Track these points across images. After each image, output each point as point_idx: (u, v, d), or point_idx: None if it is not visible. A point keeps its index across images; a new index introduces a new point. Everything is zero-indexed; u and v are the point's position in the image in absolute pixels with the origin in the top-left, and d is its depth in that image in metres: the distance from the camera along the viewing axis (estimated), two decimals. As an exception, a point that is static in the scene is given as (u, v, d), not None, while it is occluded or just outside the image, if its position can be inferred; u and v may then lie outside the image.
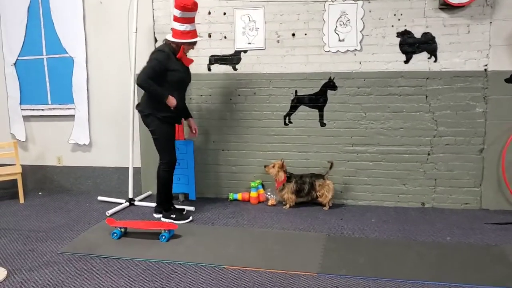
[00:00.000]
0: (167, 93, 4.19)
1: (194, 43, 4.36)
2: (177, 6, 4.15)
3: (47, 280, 3.30)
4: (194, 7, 4.20)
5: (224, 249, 3.80)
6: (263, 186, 5.10)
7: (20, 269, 3.48)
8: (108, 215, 4.62)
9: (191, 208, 4.78)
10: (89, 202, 5.15)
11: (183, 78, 4.35)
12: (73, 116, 5.45)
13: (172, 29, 4.31)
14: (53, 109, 5.49)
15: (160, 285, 3.21)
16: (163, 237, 3.95)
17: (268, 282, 3.22)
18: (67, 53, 5.35)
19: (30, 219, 4.67)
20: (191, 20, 4.24)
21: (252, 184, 5.01)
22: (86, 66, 5.34)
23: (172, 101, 4.21)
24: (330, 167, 4.73)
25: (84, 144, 5.49)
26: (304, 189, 4.72)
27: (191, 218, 4.46)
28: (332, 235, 4.07)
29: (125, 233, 4.11)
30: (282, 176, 4.73)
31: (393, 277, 3.25)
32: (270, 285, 3.18)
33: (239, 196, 5.09)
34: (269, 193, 5.04)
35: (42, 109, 5.51)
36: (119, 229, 4.07)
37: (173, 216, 4.44)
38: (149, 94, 4.23)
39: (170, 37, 4.29)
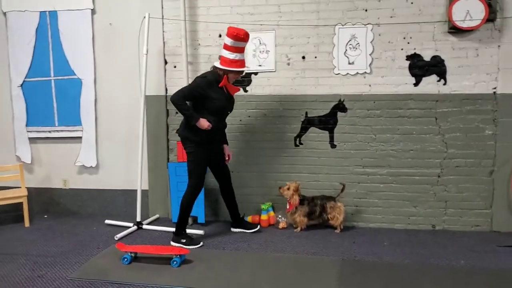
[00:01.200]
0: (197, 115, 4.21)
1: (241, 72, 4.42)
2: (229, 35, 4.19)
3: (59, 308, 3.24)
4: (245, 37, 4.24)
5: (236, 275, 3.74)
6: (273, 208, 5.06)
7: (30, 297, 3.43)
8: (116, 239, 4.56)
9: (201, 232, 4.73)
10: (96, 226, 5.08)
11: (223, 106, 4.35)
12: (80, 138, 5.41)
13: (220, 56, 4.33)
14: (60, 131, 5.45)
15: (176, 313, 3.16)
16: (175, 262, 3.90)
17: (285, 310, 3.17)
18: (75, 74, 5.34)
19: (37, 243, 4.59)
20: (241, 50, 4.28)
21: (263, 206, 4.98)
22: (95, 87, 5.33)
23: (203, 123, 4.21)
24: (342, 190, 4.71)
25: (91, 166, 5.44)
26: (316, 212, 4.69)
27: (202, 243, 4.42)
28: (346, 259, 4.03)
29: (135, 258, 4.05)
30: (296, 199, 4.69)
31: (413, 304, 3.22)
32: (288, 312, 3.14)
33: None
34: (280, 216, 5.00)
35: (49, 131, 5.47)
36: (129, 254, 4.01)
37: (183, 241, 4.40)
38: (180, 112, 4.28)
39: (217, 64, 4.31)
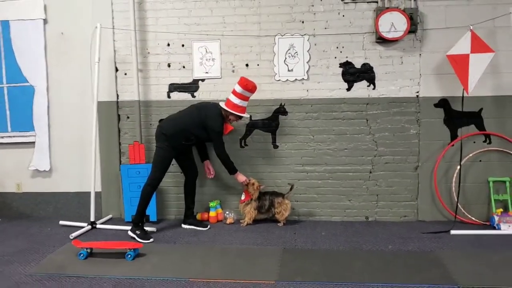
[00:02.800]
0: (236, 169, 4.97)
1: (241, 117, 4.90)
2: (241, 84, 4.78)
3: (19, 300, 3.46)
4: (253, 90, 4.84)
5: (187, 264, 4.07)
6: (221, 206, 5.41)
7: (-10, 291, 3.61)
8: (72, 238, 4.77)
9: (153, 229, 5.01)
10: (51, 227, 5.25)
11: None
12: (33, 143, 5.57)
13: (227, 99, 4.85)
14: (13, 136, 5.59)
15: (131, 299, 3.44)
16: (129, 255, 4.17)
17: (231, 291, 3.53)
18: (27, 82, 5.50)
19: None
20: (246, 98, 4.84)
21: (211, 204, 5.31)
22: (47, 94, 5.51)
23: (240, 178, 4.99)
24: (291, 189, 5.11)
25: (45, 170, 5.60)
26: (265, 206, 5.07)
27: (152, 239, 4.70)
28: (287, 248, 4.43)
29: (91, 254, 4.29)
30: (256, 195, 5.05)
31: (343, 281, 3.64)
32: (233, 293, 3.50)
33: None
34: (227, 212, 5.35)
35: (2, 137, 5.60)
36: (85, 249, 4.25)
37: (138, 232, 4.68)
38: (224, 163, 4.93)
39: (223, 105, 4.81)
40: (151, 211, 5.27)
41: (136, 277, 3.81)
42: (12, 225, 5.40)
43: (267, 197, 5.11)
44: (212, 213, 5.34)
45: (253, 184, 5.06)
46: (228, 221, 5.28)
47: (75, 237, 4.79)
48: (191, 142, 4.86)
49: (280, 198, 5.10)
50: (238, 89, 4.78)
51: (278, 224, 5.12)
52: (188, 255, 4.29)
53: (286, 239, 4.71)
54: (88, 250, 4.27)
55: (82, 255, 4.22)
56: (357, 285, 3.58)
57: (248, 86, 4.76)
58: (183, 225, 5.17)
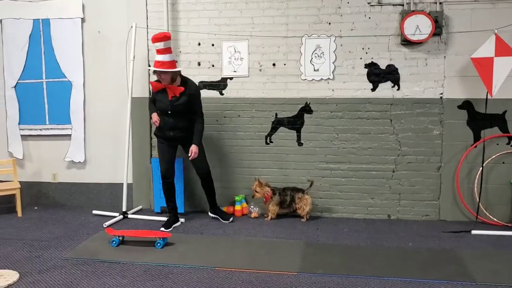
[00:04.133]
0: (152, 111, 5.05)
1: (154, 72, 4.94)
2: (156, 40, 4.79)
3: (56, 281, 3.71)
4: (157, 39, 4.75)
5: (213, 254, 4.27)
6: (246, 200, 5.59)
7: (30, 272, 3.87)
8: (105, 226, 5.03)
9: (182, 220, 5.23)
10: (84, 216, 5.54)
11: (162, 107, 4.93)
12: (69, 135, 5.86)
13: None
14: (51, 128, 5.89)
15: (160, 283, 3.65)
16: (158, 244, 4.40)
17: (255, 280, 3.70)
18: (65, 77, 5.79)
19: (30, 230, 5.02)
20: (159, 52, 4.78)
21: (237, 198, 5.50)
22: (84, 89, 5.79)
23: (153, 118, 5.01)
24: (311, 185, 5.25)
25: (79, 162, 5.89)
26: (286, 201, 5.24)
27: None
28: (310, 242, 4.59)
29: (123, 241, 4.53)
30: (268, 190, 5.24)
31: (363, 275, 3.78)
32: (257, 282, 3.67)
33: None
34: (252, 207, 5.53)
35: (40, 129, 5.90)
36: (117, 237, 4.49)
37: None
38: None
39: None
40: (180, 202, 5.49)
41: (164, 264, 4.03)
42: (48, 213, 5.70)
43: (288, 193, 5.26)
44: (237, 207, 5.52)
45: (256, 190, 5.27)
46: (252, 215, 5.46)
47: (108, 226, 5.04)
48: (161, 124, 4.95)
49: (300, 193, 5.25)
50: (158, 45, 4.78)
51: (301, 219, 5.28)
52: (214, 246, 4.50)
53: (308, 234, 4.87)
54: (120, 238, 4.51)
55: (114, 242, 4.47)
56: (376, 279, 3.71)
57: (153, 40, 4.79)
58: (209, 213, 5.40)
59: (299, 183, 5.41)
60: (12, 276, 3.75)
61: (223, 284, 3.63)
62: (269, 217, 5.31)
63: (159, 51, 4.75)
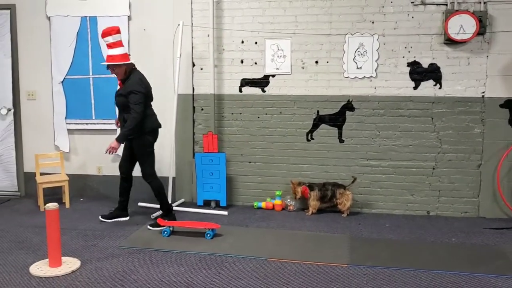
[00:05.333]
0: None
1: (107, 67, 4.90)
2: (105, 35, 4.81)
3: (117, 268, 3.87)
4: (105, 34, 4.80)
5: (262, 245, 4.41)
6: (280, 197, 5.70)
7: (90, 260, 4.05)
8: (153, 217, 5.20)
9: (225, 213, 5.38)
10: (130, 208, 5.69)
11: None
12: (115, 130, 6.02)
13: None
14: (97, 123, 6.07)
15: (216, 272, 3.80)
16: (208, 235, 4.55)
17: (307, 271, 3.82)
18: (111, 73, 5.95)
19: (81, 220, 5.20)
20: (108, 46, 4.82)
21: (277, 193, 5.63)
22: (129, 85, 5.96)
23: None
24: (353, 181, 5.36)
25: (124, 155, 6.07)
26: (327, 196, 5.35)
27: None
28: (354, 236, 4.70)
29: (173, 232, 4.69)
30: (301, 189, 5.38)
31: (411, 268, 3.88)
32: (309, 273, 3.79)
33: (263, 204, 5.67)
34: (288, 200, 5.64)
35: (86, 123, 6.09)
36: (168, 228, 4.65)
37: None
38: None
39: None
40: (222, 196, 5.63)
41: (217, 253, 4.17)
42: (95, 204, 5.88)
43: (329, 188, 5.38)
44: (277, 202, 5.64)
45: (294, 191, 5.44)
46: (289, 208, 5.58)
47: (156, 217, 5.21)
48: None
49: (341, 189, 5.36)
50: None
51: (342, 215, 5.38)
52: (261, 237, 4.63)
53: (351, 228, 4.97)
54: (171, 228, 4.67)
55: (165, 232, 4.63)
56: (425, 272, 3.81)
57: (103, 35, 4.81)
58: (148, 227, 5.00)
59: (339, 180, 5.52)
60: (74, 263, 3.93)
61: (277, 274, 3.76)
62: (310, 212, 5.42)
63: (110, 46, 4.77)
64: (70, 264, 3.90)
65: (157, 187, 5.01)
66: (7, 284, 3.56)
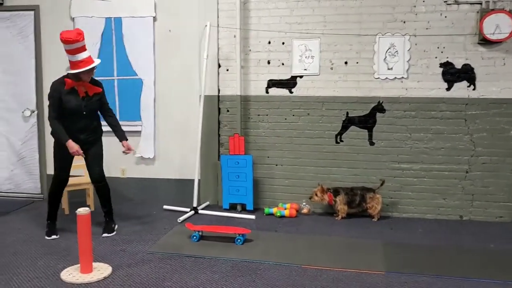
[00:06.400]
0: (67, 137, 4.48)
1: (86, 71, 4.43)
2: (62, 41, 4.34)
3: (149, 274, 3.79)
4: (77, 38, 4.35)
5: (295, 251, 4.30)
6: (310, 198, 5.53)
7: (120, 266, 3.97)
8: (179, 221, 5.11)
9: (252, 217, 5.28)
10: (155, 211, 5.63)
11: (73, 108, 4.49)
12: (139, 132, 5.97)
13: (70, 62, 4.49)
14: (121, 125, 5.97)
15: (251, 279, 3.70)
16: (239, 240, 4.45)
17: (345, 279, 3.71)
18: (136, 75, 5.89)
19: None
20: (72, 51, 4.37)
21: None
22: (154, 87, 5.89)
23: (73, 146, 4.49)
24: (382, 184, 5.24)
25: (149, 158, 6.00)
26: (356, 201, 5.23)
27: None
28: (387, 242, 4.57)
29: (202, 237, 4.60)
30: (326, 197, 5.25)
31: (453, 276, 3.75)
32: (347, 281, 3.68)
33: (287, 206, 5.48)
34: (304, 203, 5.53)
35: (111, 125, 6.02)
36: (197, 232, 4.56)
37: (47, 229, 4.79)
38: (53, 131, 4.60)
39: (69, 70, 4.45)
40: (248, 200, 5.54)
41: (250, 260, 4.07)
42: (118, 207, 5.73)
43: (358, 192, 5.25)
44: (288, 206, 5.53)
45: (316, 195, 5.30)
46: (303, 211, 5.49)
47: (183, 221, 5.12)
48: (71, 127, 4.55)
49: (371, 193, 5.24)
50: (67, 46, 4.35)
51: (373, 219, 5.26)
52: (292, 243, 4.52)
53: (383, 233, 4.85)
54: (200, 233, 4.58)
55: (195, 237, 4.54)
56: (468, 281, 3.67)
57: (69, 39, 4.30)
58: (103, 235, 4.83)
59: (369, 183, 5.40)
60: (105, 269, 3.86)
61: (315, 282, 3.65)
62: (340, 217, 5.31)
63: (81, 49, 4.38)
64: (101, 270, 3.83)
65: (108, 190, 4.95)
66: (40, 291, 3.50)
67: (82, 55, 4.40)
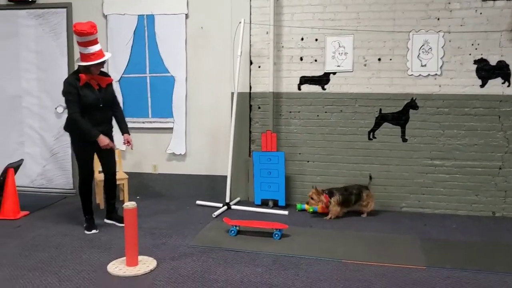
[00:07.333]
0: (98, 132, 4.59)
1: (98, 64, 4.53)
2: (76, 33, 4.42)
3: (193, 268, 3.85)
4: (82, 31, 4.38)
5: (333, 246, 4.34)
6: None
7: (164, 259, 4.04)
8: (214, 216, 5.18)
9: (285, 212, 5.32)
10: (188, 206, 5.70)
11: (91, 102, 4.56)
12: (171, 128, 6.03)
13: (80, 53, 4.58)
14: (153, 122, 6.08)
15: (295, 273, 3.75)
16: (276, 235, 4.50)
17: (387, 274, 3.75)
18: (168, 72, 5.95)
19: (143, 218, 5.11)
20: (86, 44, 4.44)
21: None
22: (186, 84, 5.94)
23: (104, 140, 4.61)
24: (370, 178, 5.34)
25: (180, 154, 6.06)
26: (351, 200, 5.18)
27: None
28: (423, 237, 4.59)
29: (238, 231, 4.65)
30: (323, 199, 5.13)
31: (495, 271, 3.76)
32: (390, 276, 3.71)
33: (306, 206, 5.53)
34: None
35: (143, 122, 6.09)
36: (235, 227, 4.62)
37: (84, 225, 4.89)
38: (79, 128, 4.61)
39: (79, 62, 4.54)
40: (280, 196, 5.59)
41: (290, 254, 4.12)
42: (151, 202, 5.88)
43: (353, 191, 5.20)
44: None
45: (312, 198, 5.16)
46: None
47: (217, 216, 5.19)
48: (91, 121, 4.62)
49: (367, 190, 5.26)
50: (78, 38, 4.43)
51: (362, 215, 5.29)
52: (329, 238, 4.57)
53: (417, 229, 4.87)
54: (237, 228, 4.63)
55: (232, 231, 4.60)
56: (510, 275, 3.69)
57: (83, 32, 4.37)
58: (105, 220, 5.10)
59: (402, 179, 5.42)
60: (150, 262, 3.92)
61: (357, 276, 3.69)
62: (329, 217, 5.20)
63: (93, 42, 4.46)
64: (146, 263, 3.90)
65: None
66: (90, 284, 3.57)
67: (94, 48, 4.48)
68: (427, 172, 5.42)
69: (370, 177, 5.36)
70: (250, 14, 5.67)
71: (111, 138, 4.84)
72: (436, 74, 5.29)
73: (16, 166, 5.51)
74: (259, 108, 5.80)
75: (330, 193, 5.19)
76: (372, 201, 5.26)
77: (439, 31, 5.24)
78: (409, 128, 5.42)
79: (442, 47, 5.25)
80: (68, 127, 4.76)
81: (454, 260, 4.00)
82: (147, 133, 6.13)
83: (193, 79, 5.95)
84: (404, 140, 5.45)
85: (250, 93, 5.81)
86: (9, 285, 3.54)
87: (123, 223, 4.79)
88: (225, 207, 5.50)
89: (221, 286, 3.52)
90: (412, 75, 5.35)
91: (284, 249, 4.25)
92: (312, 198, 5.17)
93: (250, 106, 5.83)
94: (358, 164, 5.58)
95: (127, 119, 5.91)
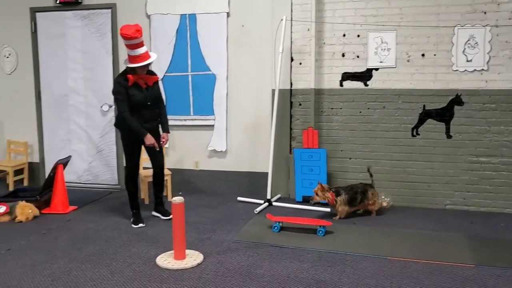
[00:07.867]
0: (145, 131, 4.79)
1: (144, 66, 4.69)
2: (122, 36, 4.58)
3: (240, 262, 3.91)
4: (128, 34, 4.52)
5: (378, 243, 4.32)
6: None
7: (210, 253, 4.11)
8: (256, 212, 5.23)
9: (327, 209, 5.31)
10: (229, 202, 5.77)
11: (139, 100, 4.75)
12: (212, 126, 6.11)
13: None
14: (195, 119, 6.17)
15: (341, 269, 3.75)
16: (320, 231, 4.51)
17: (435, 271, 3.70)
18: (210, 70, 6.03)
19: (186, 213, 5.21)
20: (132, 47, 4.59)
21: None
22: (227, 82, 6.01)
23: (149, 139, 4.80)
24: (369, 171, 5.23)
25: (221, 151, 6.14)
26: (357, 199, 5.06)
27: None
28: (470, 235, 4.51)
29: (281, 228, 4.68)
30: (329, 195, 5.02)
31: (548, 270, 3.68)
32: (438, 273, 3.67)
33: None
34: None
35: (185, 119, 6.20)
36: (278, 223, 4.65)
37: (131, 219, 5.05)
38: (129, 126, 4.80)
39: (127, 63, 4.73)
40: (322, 193, 5.59)
41: (335, 251, 4.12)
42: (193, 198, 5.97)
43: (358, 190, 5.09)
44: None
45: (317, 194, 5.06)
46: (383, 205, 5.31)
47: (259, 212, 5.24)
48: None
49: (372, 188, 5.15)
50: (124, 41, 4.61)
51: (371, 215, 5.18)
52: (374, 235, 4.54)
53: (463, 227, 4.79)
54: (280, 224, 4.66)
55: (276, 227, 4.64)
56: None
57: (127, 36, 4.51)
58: (153, 213, 5.29)
59: (446, 176, 5.34)
60: (197, 256, 4.00)
61: (405, 274, 3.66)
62: (337, 217, 5.08)
63: (139, 44, 4.60)
64: (194, 257, 3.98)
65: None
66: (140, 276, 3.67)
67: (140, 50, 4.64)
68: (472, 169, 5.31)
69: (371, 174, 5.23)
70: (291, 11, 5.68)
71: (158, 134, 5.01)
72: (482, 69, 5.18)
73: (65, 163, 5.70)
74: (300, 105, 5.81)
75: (336, 192, 5.08)
76: (378, 198, 5.18)
77: (486, 25, 5.13)
78: (454, 125, 5.32)
79: (489, 42, 5.13)
80: (118, 124, 5.01)
81: (504, 258, 3.92)
82: (189, 130, 6.24)
83: (234, 76, 6.01)
84: (449, 136, 5.36)
85: (291, 90, 5.83)
86: (65, 276, 3.68)
87: (167, 216, 5.04)
88: (267, 203, 5.54)
89: (268, 281, 3.56)
90: (457, 70, 5.25)
91: (329, 245, 4.26)
92: (317, 194, 5.10)
93: (291, 103, 5.85)
94: (401, 161, 5.51)
95: (169, 116, 6.04)
